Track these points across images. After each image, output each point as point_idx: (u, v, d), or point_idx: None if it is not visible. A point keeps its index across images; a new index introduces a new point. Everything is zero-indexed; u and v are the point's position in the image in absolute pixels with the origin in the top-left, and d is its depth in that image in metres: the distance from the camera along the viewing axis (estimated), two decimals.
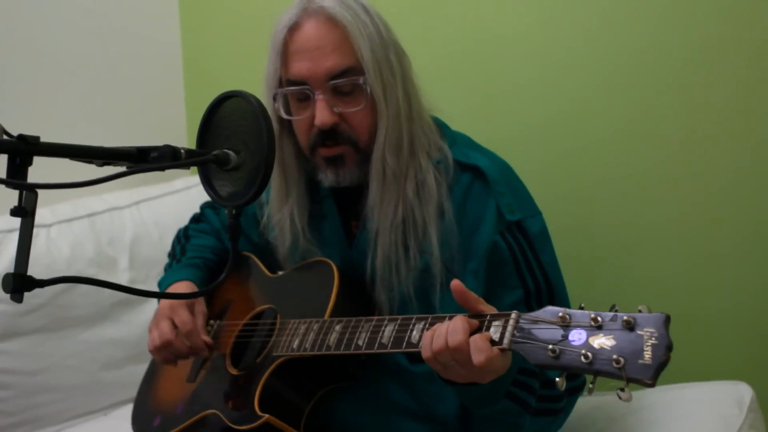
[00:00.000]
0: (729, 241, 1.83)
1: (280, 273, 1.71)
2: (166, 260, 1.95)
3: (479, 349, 1.18)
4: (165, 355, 1.66)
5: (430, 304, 1.52)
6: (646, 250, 1.92)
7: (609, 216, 1.95)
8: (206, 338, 1.67)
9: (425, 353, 1.25)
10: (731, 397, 1.68)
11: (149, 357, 1.88)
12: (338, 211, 1.65)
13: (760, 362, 1.83)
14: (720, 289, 1.85)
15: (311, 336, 1.47)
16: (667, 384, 1.77)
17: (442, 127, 1.64)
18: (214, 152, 1.08)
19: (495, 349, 1.18)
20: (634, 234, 1.93)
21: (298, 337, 1.49)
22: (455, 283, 1.25)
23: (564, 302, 1.55)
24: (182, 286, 1.73)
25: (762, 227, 1.79)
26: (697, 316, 1.85)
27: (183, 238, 1.90)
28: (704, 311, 1.85)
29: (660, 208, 1.89)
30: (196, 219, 1.94)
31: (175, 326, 1.65)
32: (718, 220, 1.83)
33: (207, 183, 1.13)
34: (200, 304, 1.71)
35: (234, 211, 1.11)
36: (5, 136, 0.96)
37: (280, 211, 1.65)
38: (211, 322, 1.74)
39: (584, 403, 1.72)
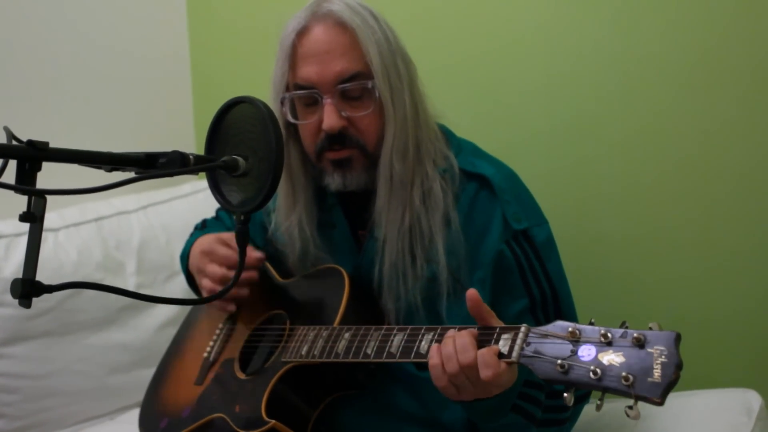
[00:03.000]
0: (737, 248, 1.82)
1: (291, 279, 1.71)
2: (173, 264, 1.95)
3: (487, 364, 1.18)
4: (221, 301, 1.67)
5: (437, 313, 1.52)
6: (653, 258, 1.92)
7: (616, 224, 1.95)
8: (257, 254, 1.67)
9: (440, 382, 1.24)
10: (740, 404, 1.68)
11: (156, 361, 1.88)
12: (347, 219, 1.65)
13: None
14: (729, 296, 1.84)
15: (320, 343, 1.47)
16: (676, 391, 1.76)
17: (447, 134, 1.64)
18: (223, 158, 1.08)
19: (502, 363, 1.18)
20: (642, 242, 1.92)
21: (306, 344, 1.49)
22: (471, 293, 1.25)
23: (570, 311, 1.55)
24: (208, 237, 1.73)
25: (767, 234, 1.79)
26: (706, 324, 1.84)
27: (200, 225, 1.91)
28: (713, 318, 1.85)
29: (668, 215, 1.88)
30: (212, 218, 1.95)
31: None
32: (725, 227, 1.83)
33: (215, 189, 1.13)
34: (227, 234, 1.71)
35: (243, 217, 1.11)
36: (15, 142, 0.96)
37: (288, 218, 1.65)
38: (220, 326, 1.74)
39: (593, 410, 1.71)
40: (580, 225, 1.96)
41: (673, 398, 1.72)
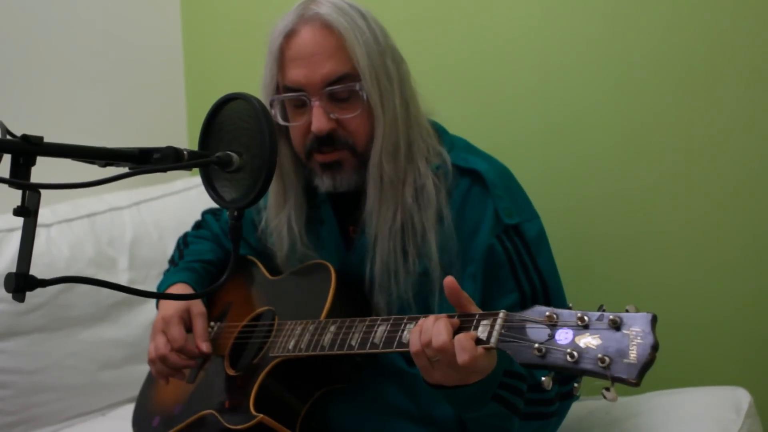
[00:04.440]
0: (727, 247, 1.83)
1: (279, 276, 1.71)
2: (165, 261, 1.95)
3: (464, 349, 1.18)
4: (159, 368, 1.65)
5: (429, 308, 1.53)
6: (644, 257, 1.92)
7: (608, 222, 1.95)
8: (204, 345, 1.65)
9: (414, 347, 1.25)
10: (729, 402, 1.69)
11: None
12: (336, 215, 1.65)
13: (758, 368, 1.83)
14: (718, 295, 1.85)
15: (306, 336, 1.47)
16: (666, 389, 1.77)
17: (440, 131, 1.64)
18: (217, 154, 1.09)
19: (479, 348, 1.18)
20: (633, 240, 1.93)
21: (293, 338, 1.50)
22: (449, 280, 1.25)
23: (560, 306, 1.54)
24: (178, 289, 1.73)
25: (760, 234, 1.80)
26: (696, 322, 1.85)
27: (182, 244, 1.90)
28: (703, 317, 1.86)
29: (659, 215, 1.89)
30: (197, 225, 1.95)
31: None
32: (717, 227, 1.84)
33: (209, 185, 1.13)
34: (198, 306, 1.70)
35: (236, 213, 1.11)
36: (9, 137, 0.96)
37: (278, 216, 1.65)
38: (212, 323, 1.74)
39: (582, 407, 1.72)
40: (573, 224, 1.96)
41: (662, 396, 1.75)
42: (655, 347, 1.02)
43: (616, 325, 1.06)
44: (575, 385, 1.08)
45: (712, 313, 1.86)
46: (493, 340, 1.18)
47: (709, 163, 1.82)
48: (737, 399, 1.69)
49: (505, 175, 1.60)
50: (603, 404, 1.75)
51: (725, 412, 1.66)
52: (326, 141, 1.54)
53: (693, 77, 1.82)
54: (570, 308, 1.13)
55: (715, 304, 1.86)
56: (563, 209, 1.95)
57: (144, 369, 1.87)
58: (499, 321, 1.19)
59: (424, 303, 1.54)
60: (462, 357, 1.18)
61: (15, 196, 0.97)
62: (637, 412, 1.70)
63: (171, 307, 1.68)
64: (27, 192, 0.96)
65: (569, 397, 1.53)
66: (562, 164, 1.99)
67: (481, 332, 1.20)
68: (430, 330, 1.23)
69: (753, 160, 1.79)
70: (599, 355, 1.04)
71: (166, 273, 1.85)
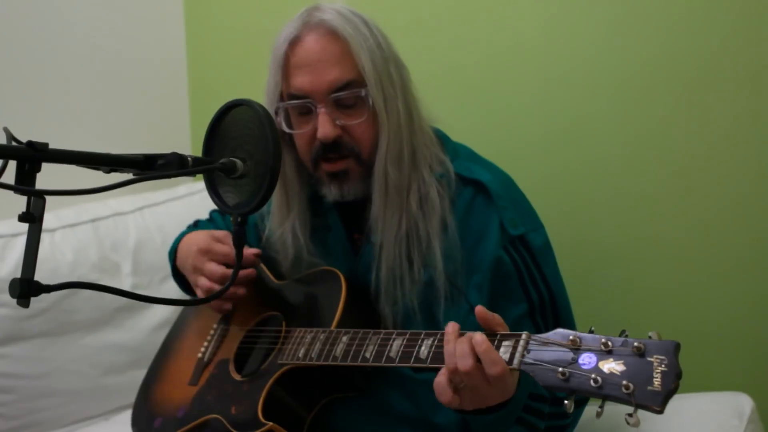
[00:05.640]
0: (729, 253, 1.83)
1: (286, 281, 1.71)
2: (169, 266, 1.94)
3: (494, 362, 1.17)
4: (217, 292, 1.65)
5: (433, 317, 1.52)
6: (647, 264, 1.92)
7: (610, 229, 1.95)
8: (254, 249, 1.65)
9: (442, 390, 1.23)
10: (731, 408, 1.69)
11: (151, 362, 1.88)
12: (342, 223, 1.65)
13: (760, 373, 1.83)
14: (720, 300, 1.85)
15: (317, 346, 1.47)
16: None
17: (443, 139, 1.64)
18: (221, 160, 1.09)
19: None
20: (636, 247, 1.93)
21: (304, 346, 1.49)
22: (479, 309, 1.23)
23: (567, 315, 1.55)
24: (198, 234, 1.71)
25: (762, 239, 1.80)
26: (698, 328, 1.85)
27: (192, 225, 1.90)
28: (705, 323, 1.86)
29: (661, 220, 1.89)
30: (206, 219, 1.95)
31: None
32: (718, 232, 1.84)
33: (213, 191, 1.13)
34: (219, 230, 1.70)
35: (239, 219, 1.12)
36: (14, 143, 0.96)
37: (282, 225, 1.65)
38: (214, 326, 1.74)
39: (586, 412, 1.72)
40: (576, 231, 1.96)
41: None
42: (679, 376, 1.03)
43: (641, 352, 1.05)
44: (599, 409, 1.07)
45: (714, 319, 1.86)
46: (515, 362, 1.16)
47: (711, 169, 1.83)
48: (740, 405, 1.69)
49: (508, 185, 1.60)
50: (605, 410, 1.75)
51: (728, 417, 1.66)
52: (332, 148, 1.53)
53: (695, 84, 1.82)
54: (592, 332, 1.12)
55: (717, 310, 1.86)
56: (565, 215, 1.95)
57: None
58: (521, 342, 1.17)
59: (428, 311, 1.54)
60: (494, 369, 1.16)
61: (20, 201, 0.98)
62: (641, 417, 1.70)
63: (198, 238, 1.67)
64: (32, 198, 0.97)
65: (581, 405, 1.53)
66: (564, 170, 1.99)
67: (503, 353, 1.18)
68: (453, 356, 1.21)
69: (754, 166, 1.79)
70: (624, 382, 1.04)
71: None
